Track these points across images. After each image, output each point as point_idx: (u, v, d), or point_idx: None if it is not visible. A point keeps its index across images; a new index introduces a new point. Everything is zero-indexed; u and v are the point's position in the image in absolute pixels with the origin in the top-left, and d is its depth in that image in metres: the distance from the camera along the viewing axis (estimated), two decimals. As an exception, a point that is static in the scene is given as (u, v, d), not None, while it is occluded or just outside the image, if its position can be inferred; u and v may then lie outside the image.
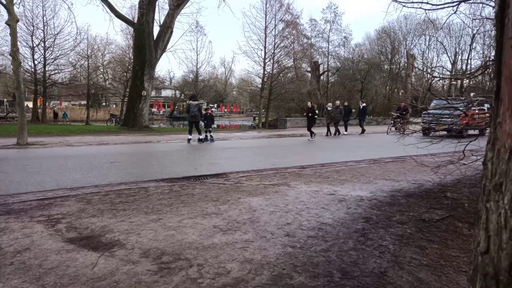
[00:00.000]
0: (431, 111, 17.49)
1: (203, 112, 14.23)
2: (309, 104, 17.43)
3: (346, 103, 21.39)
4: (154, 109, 49.68)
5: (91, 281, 2.50)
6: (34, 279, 2.51)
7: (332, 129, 18.28)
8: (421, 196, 5.21)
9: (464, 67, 40.37)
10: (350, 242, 3.34)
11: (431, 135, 16.78)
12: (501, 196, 0.99)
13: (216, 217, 4.01)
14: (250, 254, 3.01)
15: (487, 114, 16.74)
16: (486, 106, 17.48)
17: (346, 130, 19.49)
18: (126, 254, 2.97)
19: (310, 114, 16.39)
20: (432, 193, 5.37)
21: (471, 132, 17.63)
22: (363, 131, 19.36)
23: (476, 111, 16.53)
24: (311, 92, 34.71)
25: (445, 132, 17.76)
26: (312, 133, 16.04)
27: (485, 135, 18.09)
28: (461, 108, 16.99)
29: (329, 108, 18.48)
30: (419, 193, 5.42)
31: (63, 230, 3.54)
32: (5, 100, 42.16)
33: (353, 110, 25.64)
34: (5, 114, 36.97)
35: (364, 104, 20.16)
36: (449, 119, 15.64)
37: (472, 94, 21.29)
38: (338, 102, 19.50)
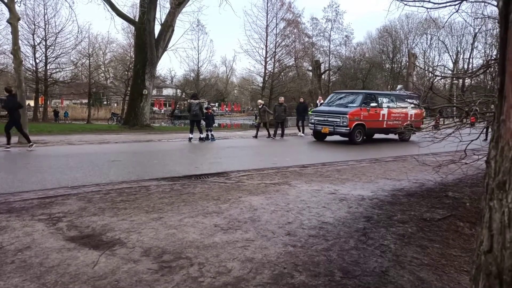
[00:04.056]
0: (319, 109, 14.36)
1: (204, 111, 14.22)
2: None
3: (302, 100, 18.48)
4: (155, 108, 49.68)
5: (92, 279, 2.50)
6: (35, 278, 2.51)
7: (278, 130, 15.55)
8: (422, 195, 5.20)
9: (465, 66, 40.32)
10: (351, 241, 3.34)
11: (326, 139, 13.71)
12: (504, 194, 0.98)
13: (217, 216, 4.01)
14: (251, 253, 3.00)
15: (416, 113, 14.10)
16: (411, 102, 14.22)
17: (302, 132, 16.57)
18: (127, 252, 2.97)
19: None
20: (434, 193, 5.36)
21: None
22: (302, 131, 16.46)
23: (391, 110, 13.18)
24: (313, 91, 34.67)
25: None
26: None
27: (409, 140, 14.09)
28: (353, 105, 12.83)
29: (259, 107, 15.77)
30: (420, 192, 5.40)
31: (64, 228, 3.54)
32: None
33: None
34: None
35: (302, 101, 17.40)
36: (336, 120, 12.70)
37: (399, 86, 18.16)
38: (282, 99, 16.52)
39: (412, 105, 14.21)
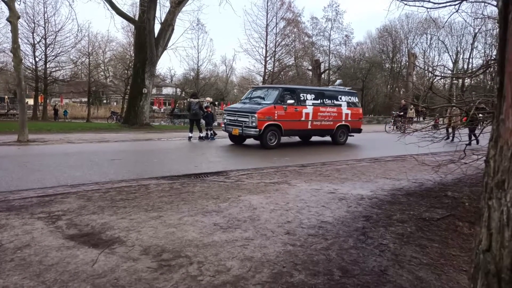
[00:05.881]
0: (231, 107, 12.55)
1: (205, 110, 14.21)
2: None
3: None
4: (155, 107, 49.57)
5: (91, 278, 2.50)
6: (34, 276, 2.51)
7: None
8: (421, 195, 5.21)
9: (465, 66, 40.33)
10: (351, 240, 3.34)
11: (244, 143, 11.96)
12: (503, 193, 0.99)
13: (217, 214, 4.01)
14: (250, 252, 3.00)
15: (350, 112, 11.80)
16: (351, 99, 12.27)
17: None
18: (127, 251, 2.97)
19: None
20: (433, 192, 5.36)
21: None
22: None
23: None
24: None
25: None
26: None
27: (345, 144, 11.90)
28: (266, 102, 11.10)
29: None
30: (419, 192, 5.41)
31: (64, 227, 3.54)
32: (6, 97, 42.14)
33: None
34: (6, 111, 36.94)
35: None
36: (245, 119, 10.67)
37: (337, 81, 15.57)
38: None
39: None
